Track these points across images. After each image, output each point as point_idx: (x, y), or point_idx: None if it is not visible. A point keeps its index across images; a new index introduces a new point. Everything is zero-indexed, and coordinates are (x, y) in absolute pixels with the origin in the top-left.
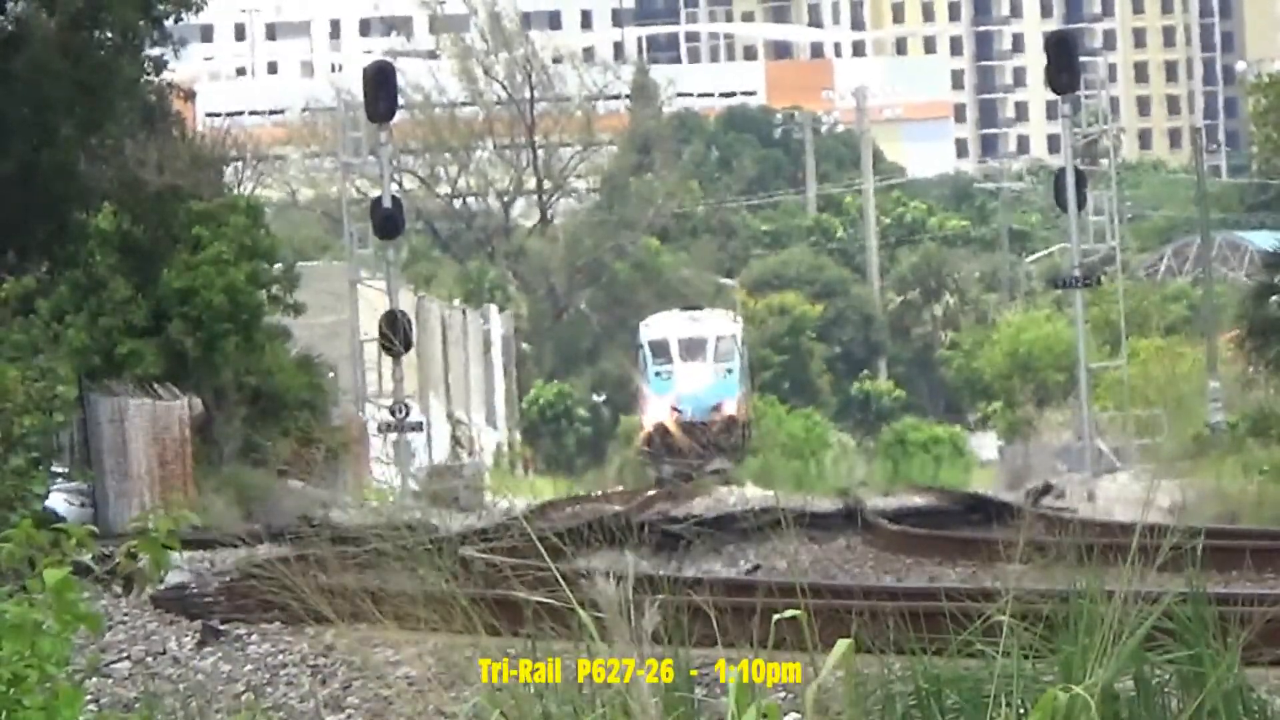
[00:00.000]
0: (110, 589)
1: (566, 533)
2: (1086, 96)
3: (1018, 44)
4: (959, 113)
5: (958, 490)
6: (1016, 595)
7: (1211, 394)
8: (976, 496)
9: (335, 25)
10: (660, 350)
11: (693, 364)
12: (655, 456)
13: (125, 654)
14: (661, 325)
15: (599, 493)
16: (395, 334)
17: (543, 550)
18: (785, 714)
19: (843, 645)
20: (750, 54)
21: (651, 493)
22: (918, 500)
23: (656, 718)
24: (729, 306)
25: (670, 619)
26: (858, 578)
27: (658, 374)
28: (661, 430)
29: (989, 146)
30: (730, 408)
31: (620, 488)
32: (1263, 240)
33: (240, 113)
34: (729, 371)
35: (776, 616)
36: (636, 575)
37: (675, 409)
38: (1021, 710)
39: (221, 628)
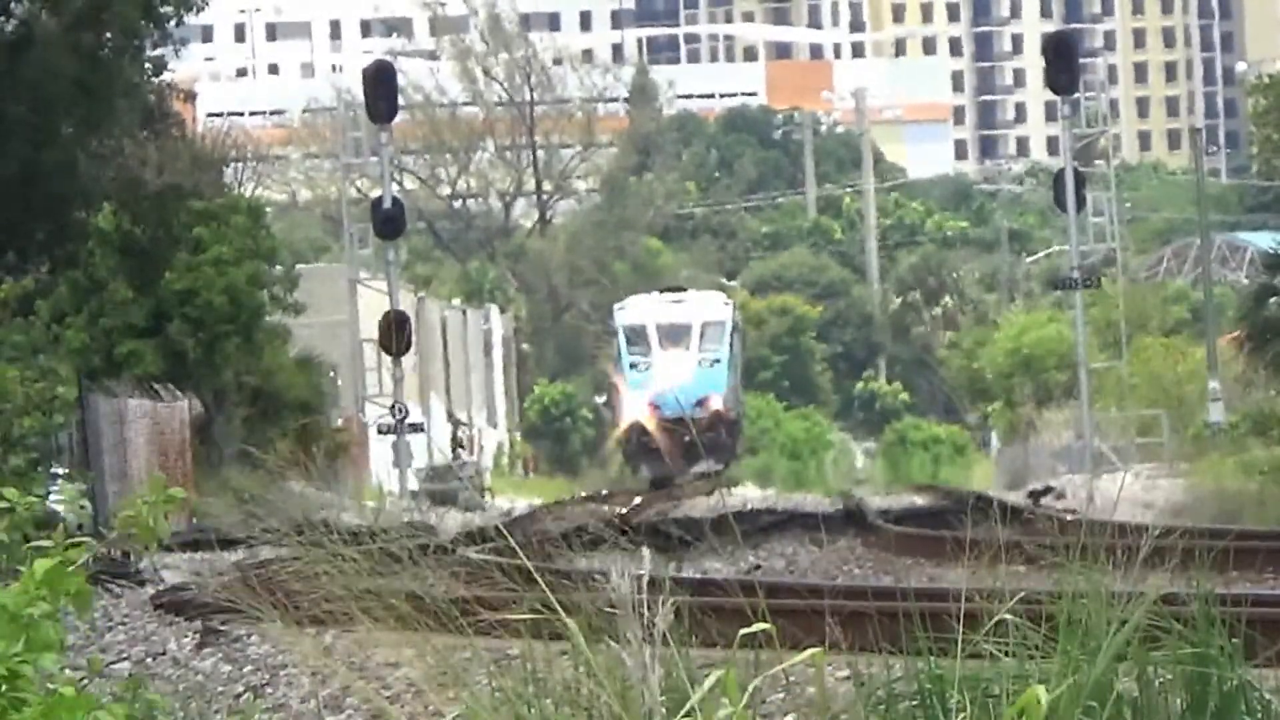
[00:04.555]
0: (110, 589)
1: (537, 543)
2: (1086, 98)
3: (1017, 45)
4: (958, 114)
5: (958, 490)
6: (1017, 595)
7: (1212, 394)
8: (978, 497)
9: (335, 26)
10: (637, 337)
11: (674, 353)
12: (633, 459)
13: (125, 655)
14: (639, 309)
15: (578, 496)
16: (395, 334)
17: (524, 562)
18: (785, 714)
19: (812, 652)
20: (750, 55)
21: (638, 499)
22: (918, 500)
23: (660, 715)
24: None
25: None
26: (856, 578)
27: (634, 365)
28: (638, 429)
29: (988, 148)
30: (717, 403)
31: (601, 491)
32: (1263, 241)
33: (240, 113)
34: (716, 362)
35: (743, 630)
36: (634, 575)
37: (653, 405)
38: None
39: (221, 628)
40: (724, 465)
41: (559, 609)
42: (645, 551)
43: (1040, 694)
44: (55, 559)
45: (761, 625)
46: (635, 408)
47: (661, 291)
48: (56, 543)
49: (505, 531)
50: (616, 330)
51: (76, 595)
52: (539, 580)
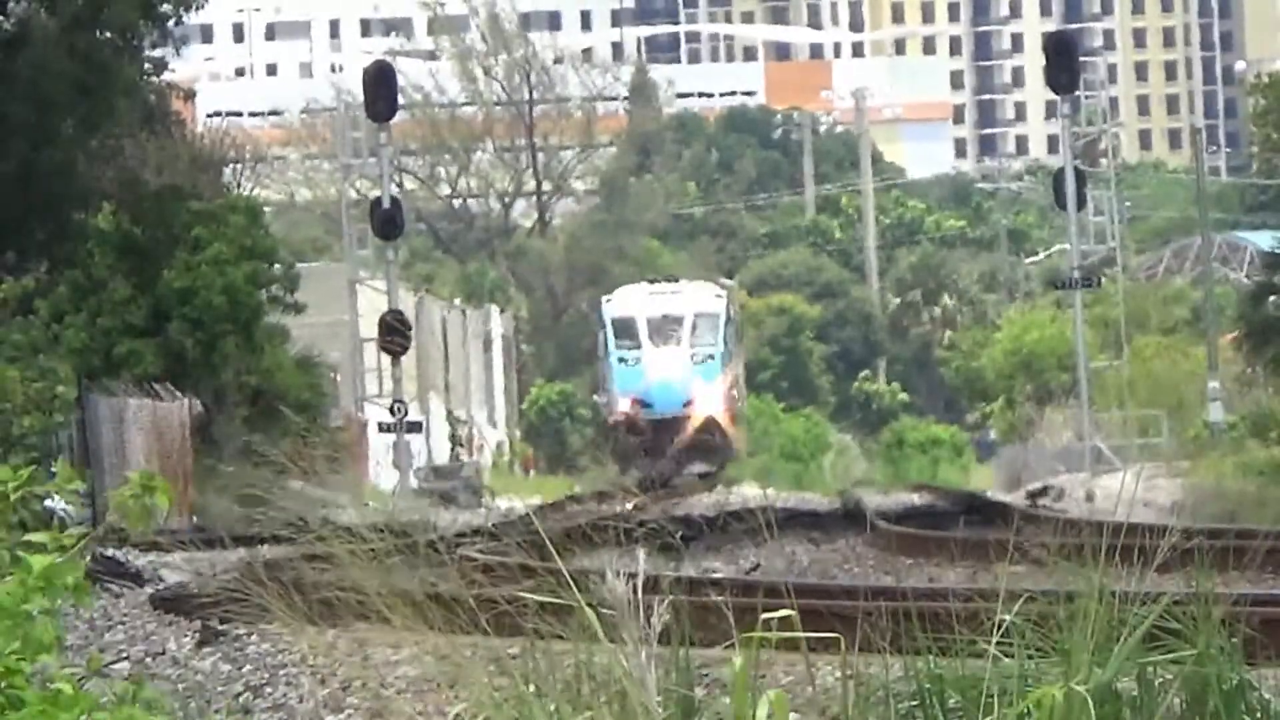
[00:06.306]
0: (110, 589)
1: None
2: (1086, 97)
3: (1017, 44)
4: (958, 113)
5: (956, 490)
6: (1017, 594)
7: (1211, 394)
8: (975, 496)
9: (335, 26)
10: (625, 330)
11: (665, 348)
12: (623, 459)
13: (125, 654)
14: (628, 300)
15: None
16: (395, 334)
17: (553, 550)
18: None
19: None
20: (750, 54)
21: (636, 501)
22: (915, 500)
23: (658, 715)
24: None
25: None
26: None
27: (622, 360)
28: (628, 428)
29: (988, 147)
30: (711, 401)
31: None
32: (1263, 240)
33: (239, 113)
34: (710, 357)
35: (765, 616)
36: (634, 573)
37: (642, 402)
38: (1024, 712)
39: (221, 628)
40: (718, 466)
41: (579, 599)
42: (640, 552)
43: (1056, 695)
44: (52, 556)
45: (785, 612)
46: (624, 406)
47: (651, 282)
48: (52, 538)
49: (533, 523)
50: (604, 323)
51: (75, 587)
52: (563, 570)
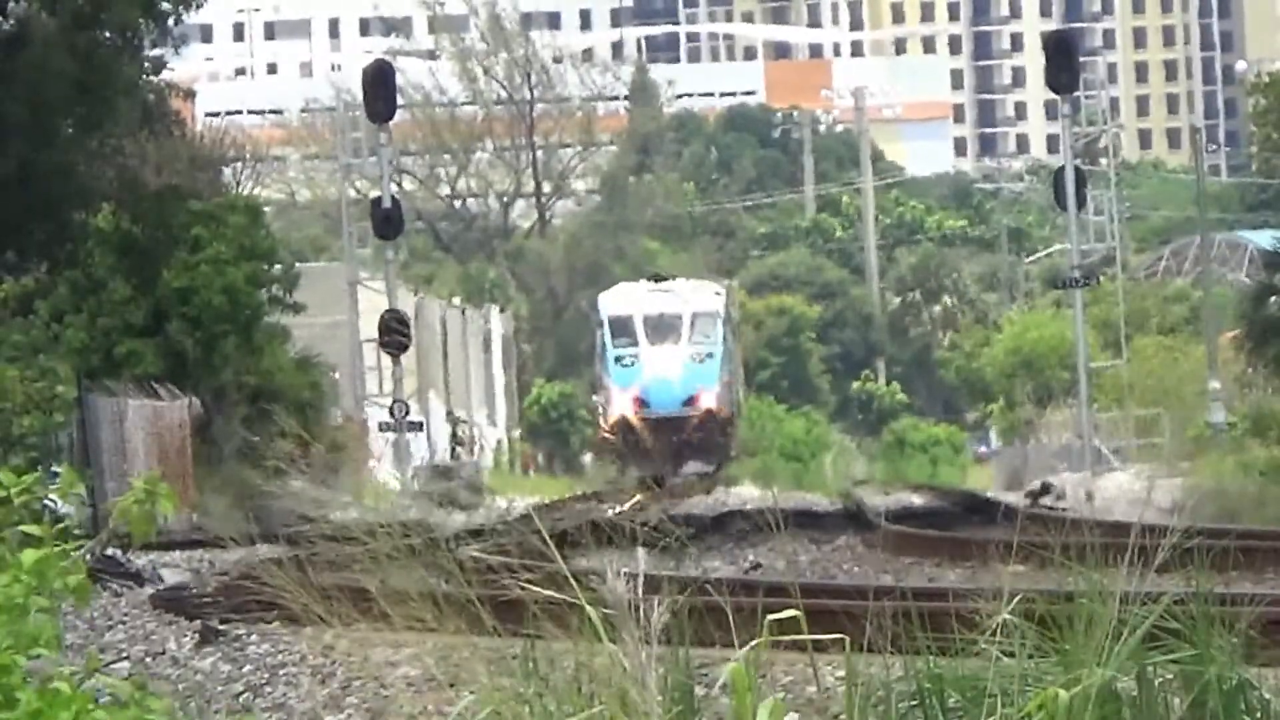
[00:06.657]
0: (109, 589)
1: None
2: (1086, 96)
3: (1017, 44)
4: (958, 112)
5: (955, 489)
6: (1016, 594)
7: (1211, 394)
8: (974, 496)
9: (334, 25)
10: (623, 329)
11: (663, 346)
12: (621, 459)
13: (125, 654)
14: (625, 298)
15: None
16: (394, 334)
17: (554, 550)
18: (785, 714)
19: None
20: (750, 54)
21: (637, 498)
22: (916, 500)
23: (658, 715)
24: None
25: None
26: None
27: (619, 358)
28: (625, 427)
29: (988, 146)
30: (709, 400)
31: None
32: (1263, 240)
33: (239, 113)
34: (708, 356)
35: (772, 616)
36: (633, 573)
37: (640, 401)
38: (1026, 715)
39: (221, 628)
40: (717, 467)
41: (581, 598)
42: (640, 551)
43: (1061, 695)
44: (46, 550)
45: (791, 612)
46: (622, 405)
47: (650, 279)
48: (45, 533)
49: (535, 524)
50: (601, 322)
51: (75, 589)
52: (565, 570)
